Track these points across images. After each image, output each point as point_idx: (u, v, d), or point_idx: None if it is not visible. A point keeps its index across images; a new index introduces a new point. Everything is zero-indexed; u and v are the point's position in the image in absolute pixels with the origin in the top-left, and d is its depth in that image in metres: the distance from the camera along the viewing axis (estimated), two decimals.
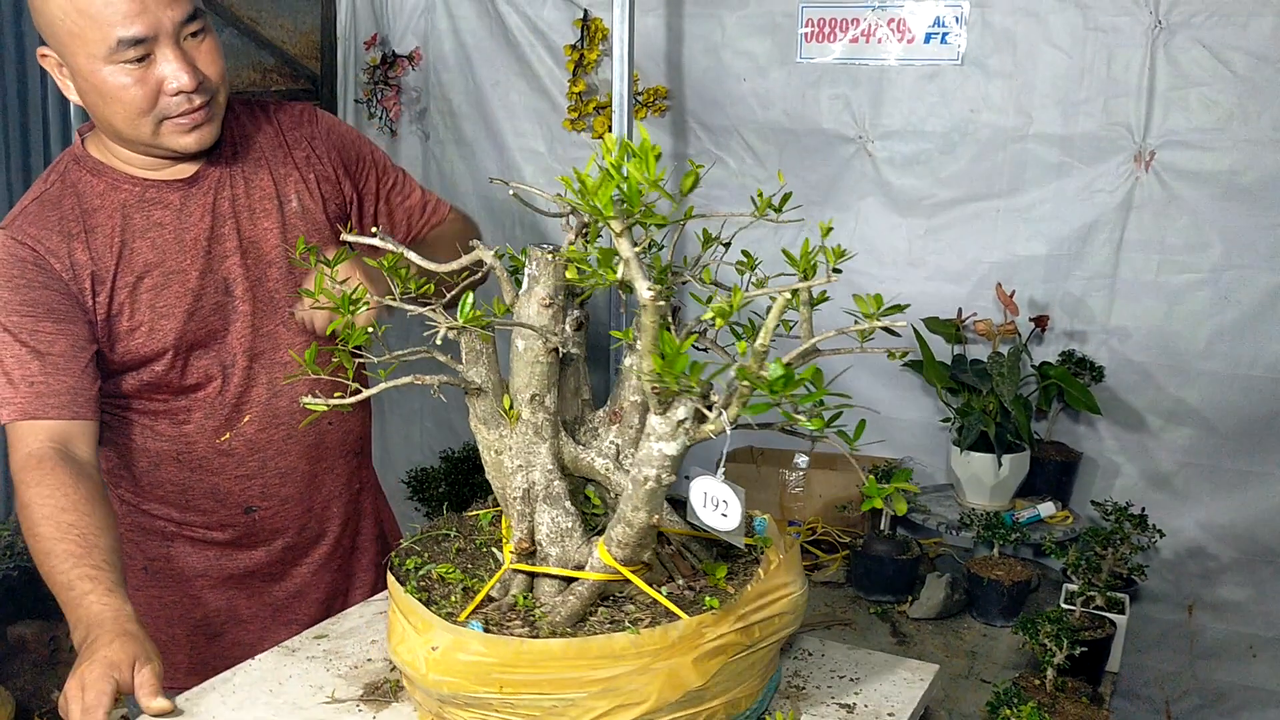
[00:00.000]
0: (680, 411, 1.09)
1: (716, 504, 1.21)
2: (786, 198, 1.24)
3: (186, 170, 1.67)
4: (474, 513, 1.48)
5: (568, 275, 1.21)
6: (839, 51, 2.82)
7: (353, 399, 1.21)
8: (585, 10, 3.05)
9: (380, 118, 3.35)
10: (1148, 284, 2.62)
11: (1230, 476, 2.64)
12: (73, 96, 1.60)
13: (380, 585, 1.93)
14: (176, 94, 1.56)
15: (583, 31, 3.06)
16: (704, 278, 1.31)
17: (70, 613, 1.39)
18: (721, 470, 1.17)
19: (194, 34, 1.57)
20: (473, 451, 2.95)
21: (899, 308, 1.10)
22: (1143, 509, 2.34)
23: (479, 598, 1.26)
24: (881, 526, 2.52)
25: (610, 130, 2.89)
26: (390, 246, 1.27)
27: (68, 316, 1.58)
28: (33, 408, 1.53)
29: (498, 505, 1.40)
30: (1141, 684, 2.83)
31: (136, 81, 1.54)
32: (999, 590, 2.35)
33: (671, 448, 1.11)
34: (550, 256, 1.25)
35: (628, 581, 1.22)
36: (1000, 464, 2.54)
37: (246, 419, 1.73)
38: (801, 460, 2.91)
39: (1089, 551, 2.25)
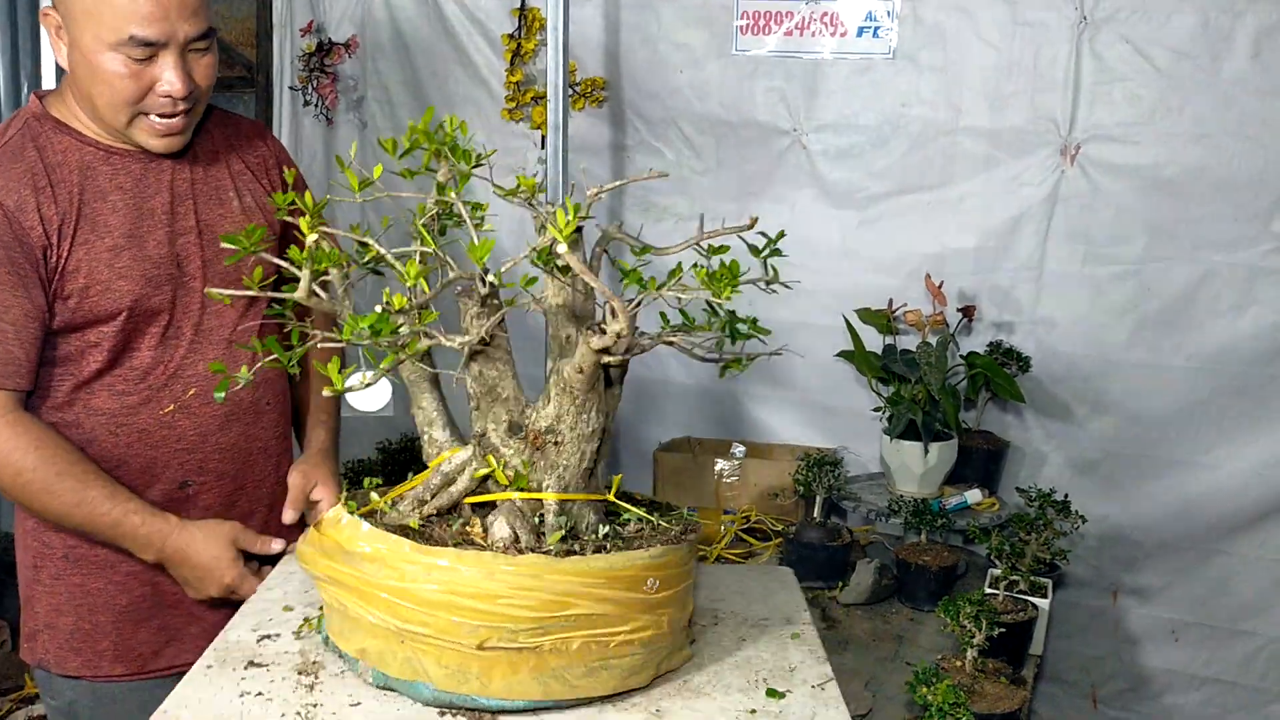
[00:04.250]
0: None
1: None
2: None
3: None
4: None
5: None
6: (774, 44, 2.84)
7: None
8: (522, 0, 3.05)
9: (316, 105, 3.32)
10: (1073, 275, 2.67)
11: (1153, 464, 2.70)
12: (62, 59, 1.65)
13: None
14: (165, 96, 1.61)
15: (520, 21, 3.06)
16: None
17: (130, 541, 1.68)
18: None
19: (199, 48, 1.63)
20: (410, 443, 2.94)
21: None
22: (1065, 495, 2.39)
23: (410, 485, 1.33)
24: (814, 514, 2.55)
25: (547, 121, 2.89)
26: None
27: (25, 281, 1.61)
28: None
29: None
30: (1068, 669, 2.89)
31: (132, 75, 1.58)
32: (926, 575, 2.38)
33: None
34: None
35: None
36: (928, 452, 2.58)
37: (191, 391, 1.74)
38: (738, 450, 2.94)
39: (1013, 537, 2.29)
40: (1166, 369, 2.64)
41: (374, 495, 1.34)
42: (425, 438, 1.37)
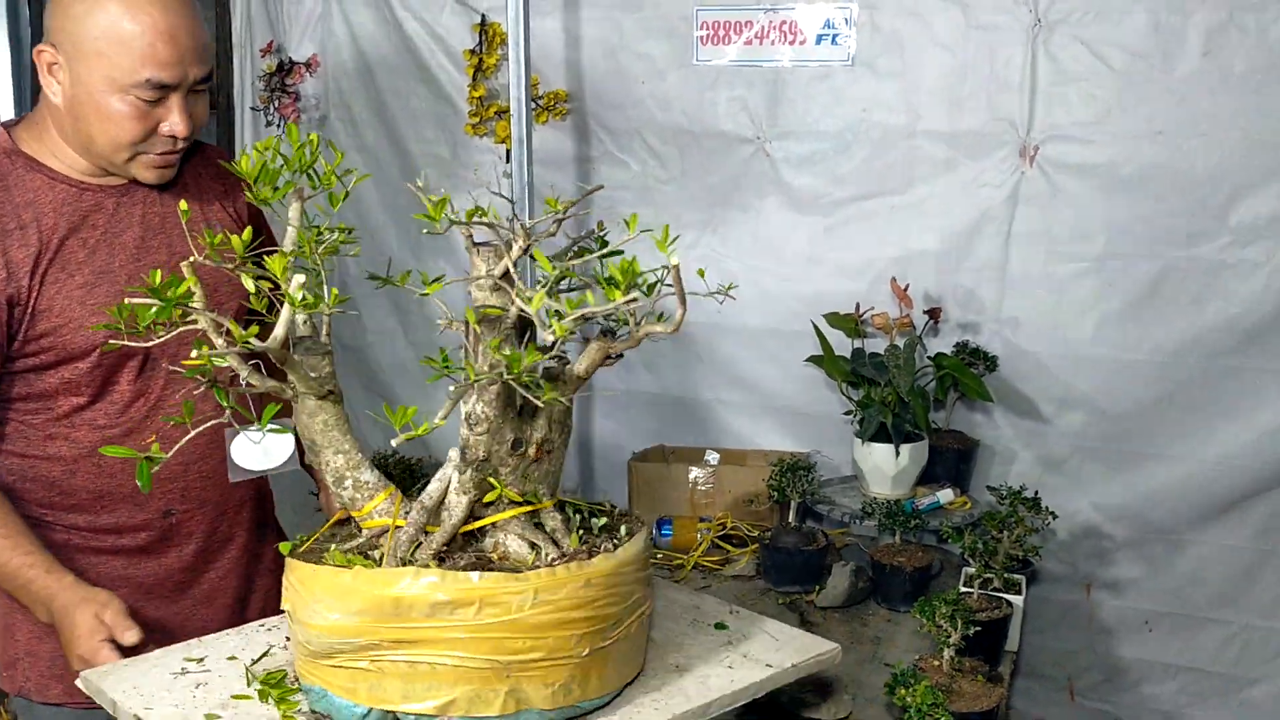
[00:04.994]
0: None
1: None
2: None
3: (120, 179, 1.72)
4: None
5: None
6: (734, 54, 2.86)
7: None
8: (483, 15, 3.06)
9: (278, 125, 3.31)
10: (1036, 275, 2.70)
11: (1121, 458, 2.73)
12: (54, 97, 1.63)
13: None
14: (169, 136, 1.65)
15: (481, 36, 3.07)
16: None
17: (23, 596, 1.64)
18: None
19: (198, 90, 1.67)
20: (386, 461, 2.92)
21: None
22: (1036, 492, 2.42)
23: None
24: (789, 519, 2.57)
25: (511, 135, 2.89)
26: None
27: None
28: None
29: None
30: (1044, 663, 2.92)
31: (138, 117, 1.61)
32: (902, 576, 2.40)
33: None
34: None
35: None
36: (899, 453, 2.60)
37: (172, 423, 1.73)
38: (711, 457, 2.95)
39: (985, 535, 2.32)
40: (1131, 364, 2.67)
41: (336, 552, 1.32)
42: (349, 482, 1.35)
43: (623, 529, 1.40)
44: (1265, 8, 2.43)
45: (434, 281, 1.24)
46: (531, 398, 1.18)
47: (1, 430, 1.70)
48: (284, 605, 1.34)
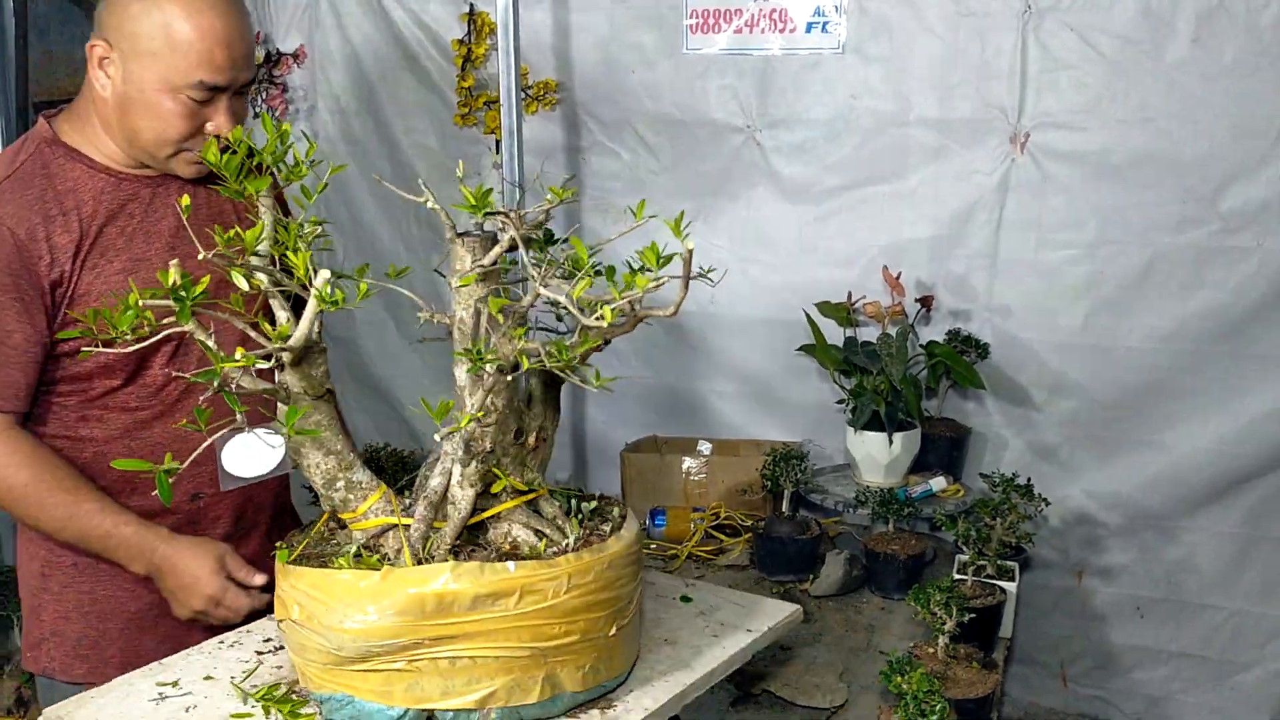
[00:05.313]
0: None
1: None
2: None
3: (156, 171, 1.76)
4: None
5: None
6: (724, 42, 2.85)
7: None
8: (471, 4, 3.04)
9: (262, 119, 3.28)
10: (1027, 262, 2.71)
11: (1112, 445, 2.74)
12: (103, 90, 1.68)
13: None
14: (214, 135, 1.67)
15: (469, 26, 3.05)
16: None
17: (118, 553, 1.72)
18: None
19: (242, 92, 1.74)
20: (378, 454, 2.92)
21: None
22: (1029, 479, 2.42)
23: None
24: (782, 508, 2.57)
25: (501, 126, 2.88)
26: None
27: (31, 307, 1.65)
28: None
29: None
30: (1038, 649, 2.93)
31: (187, 116, 1.67)
32: (895, 564, 2.40)
33: None
34: None
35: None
36: (892, 442, 2.60)
37: (204, 406, 1.78)
38: (704, 447, 2.95)
39: (979, 522, 2.32)
40: (1121, 351, 2.68)
41: (345, 557, 1.31)
42: (341, 484, 1.33)
43: (614, 511, 1.43)
44: None
45: (400, 272, 1.26)
46: (585, 384, 1.20)
47: (35, 413, 1.75)
48: (288, 615, 1.30)
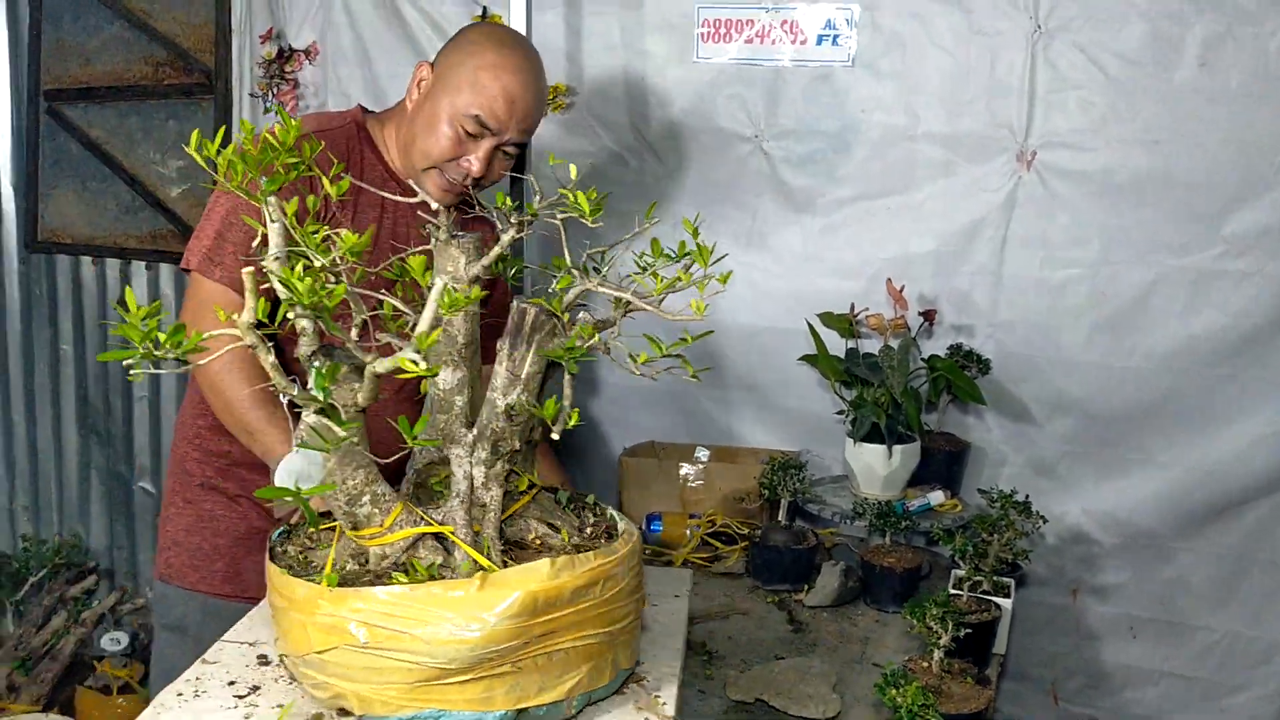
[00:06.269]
0: None
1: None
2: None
3: (410, 181, 1.98)
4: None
5: None
6: (735, 52, 2.86)
7: None
8: (484, 6, 3.05)
9: (277, 112, 3.29)
10: (1031, 279, 2.72)
11: (1111, 463, 2.75)
12: (409, 102, 2.04)
13: None
14: (463, 169, 1.99)
15: None
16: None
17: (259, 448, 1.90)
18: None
19: (509, 151, 2.02)
20: None
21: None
22: (1026, 496, 2.43)
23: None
24: (779, 517, 2.57)
25: None
26: None
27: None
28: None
29: None
30: (1030, 665, 2.94)
31: (454, 141, 1.97)
32: (891, 577, 2.41)
33: None
34: None
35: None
36: (891, 454, 2.61)
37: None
38: (702, 454, 2.96)
39: (976, 538, 2.33)
40: (1122, 370, 2.69)
41: (400, 575, 1.30)
42: (367, 498, 1.30)
43: (596, 504, 1.54)
44: (1262, 21, 2.44)
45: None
46: (644, 374, 1.34)
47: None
48: (344, 641, 1.24)
